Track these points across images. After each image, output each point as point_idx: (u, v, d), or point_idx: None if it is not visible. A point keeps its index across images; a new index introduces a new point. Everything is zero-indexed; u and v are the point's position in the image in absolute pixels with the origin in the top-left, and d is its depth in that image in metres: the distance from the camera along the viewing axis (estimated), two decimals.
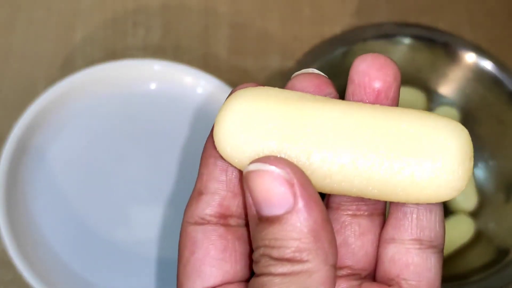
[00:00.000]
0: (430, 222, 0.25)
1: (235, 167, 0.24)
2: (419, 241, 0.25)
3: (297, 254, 0.21)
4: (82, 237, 0.45)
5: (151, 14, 0.54)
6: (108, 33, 0.54)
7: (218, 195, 0.25)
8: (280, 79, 0.51)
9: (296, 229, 0.21)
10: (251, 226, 0.23)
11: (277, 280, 0.21)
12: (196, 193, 0.26)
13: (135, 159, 0.47)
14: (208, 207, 0.25)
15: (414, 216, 0.25)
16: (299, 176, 0.22)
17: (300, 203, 0.21)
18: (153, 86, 0.49)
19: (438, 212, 0.25)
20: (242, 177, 0.23)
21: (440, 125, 0.22)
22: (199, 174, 0.26)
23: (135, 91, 0.48)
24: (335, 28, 0.55)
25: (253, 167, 0.22)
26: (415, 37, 0.48)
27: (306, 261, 0.21)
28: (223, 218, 0.25)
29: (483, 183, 0.48)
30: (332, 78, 0.48)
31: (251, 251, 0.26)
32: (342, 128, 0.23)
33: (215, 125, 0.24)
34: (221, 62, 0.53)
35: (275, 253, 0.22)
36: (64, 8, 0.55)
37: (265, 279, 0.22)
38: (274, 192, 0.21)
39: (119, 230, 0.45)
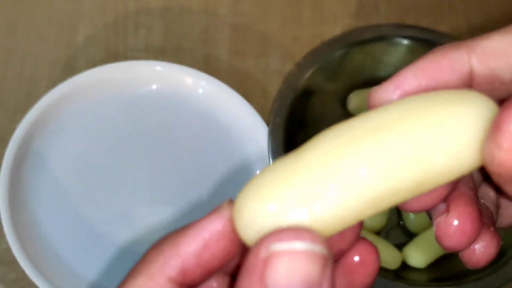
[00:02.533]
0: None
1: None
2: None
3: None
4: (85, 237, 0.45)
5: (152, 16, 0.55)
6: (109, 35, 0.54)
7: None
8: (280, 80, 0.51)
9: None
10: None
11: None
12: None
13: (137, 160, 0.47)
14: None
15: None
16: (329, 250, 0.18)
17: (329, 278, 0.18)
18: (154, 87, 0.49)
19: None
20: (259, 251, 0.18)
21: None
22: None
23: (137, 92, 0.49)
24: (334, 29, 0.55)
25: (281, 246, 0.18)
26: (413, 38, 0.48)
27: None
28: None
29: None
30: (331, 79, 0.48)
31: None
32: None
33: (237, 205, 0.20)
34: (222, 63, 0.53)
35: None
36: (65, 10, 0.55)
37: None
38: (313, 275, 0.18)
39: (121, 230, 0.45)
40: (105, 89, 0.48)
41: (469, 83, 0.22)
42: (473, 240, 0.23)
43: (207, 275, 0.21)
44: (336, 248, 0.23)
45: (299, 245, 0.18)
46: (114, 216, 0.46)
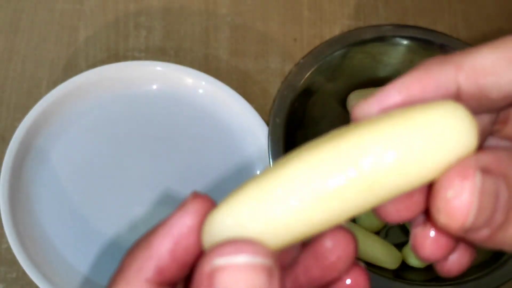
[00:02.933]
0: None
1: None
2: None
3: None
4: (85, 237, 0.45)
5: (153, 16, 0.55)
6: (110, 35, 0.54)
7: None
8: (280, 80, 0.51)
9: None
10: None
11: None
12: None
13: (137, 160, 0.48)
14: None
15: None
16: (276, 261, 0.19)
17: None
18: (154, 87, 0.49)
19: None
20: (203, 268, 0.18)
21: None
22: None
23: (137, 92, 0.49)
24: (334, 29, 0.55)
25: (222, 260, 0.18)
26: (412, 38, 0.48)
27: None
28: None
29: None
30: (331, 79, 0.48)
31: None
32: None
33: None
34: (222, 63, 0.54)
35: None
36: (66, 10, 0.55)
37: None
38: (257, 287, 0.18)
39: (122, 230, 0.46)
40: (106, 89, 0.48)
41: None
42: (449, 253, 0.22)
43: (185, 269, 0.21)
44: (329, 277, 0.23)
45: (240, 259, 0.18)
46: (115, 216, 0.46)
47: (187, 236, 0.21)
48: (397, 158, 0.19)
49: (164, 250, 0.20)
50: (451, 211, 0.19)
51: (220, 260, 0.18)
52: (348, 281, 0.23)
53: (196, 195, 0.21)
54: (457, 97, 0.21)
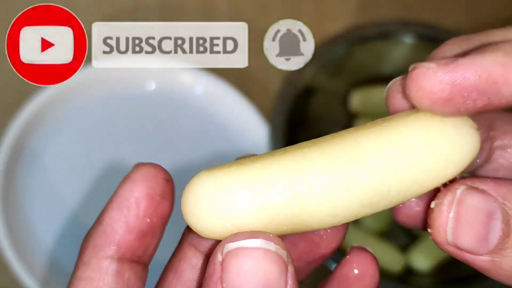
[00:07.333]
0: None
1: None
2: None
3: None
4: (79, 240, 0.45)
5: (149, 12, 0.54)
6: None
7: None
8: (281, 78, 0.51)
9: None
10: None
11: None
12: None
13: (132, 160, 0.47)
14: None
15: None
16: (288, 252, 0.18)
17: (291, 282, 0.18)
18: (152, 85, 0.49)
19: None
20: (216, 255, 0.18)
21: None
22: (84, 278, 0.20)
23: (134, 90, 0.48)
24: (336, 25, 0.54)
25: (245, 243, 0.17)
26: (417, 36, 0.48)
27: None
28: None
29: None
30: (333, 76, 0.48)
31: None
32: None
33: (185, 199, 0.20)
34: None
35: None
36: (61, 6, 0.54)
37: None
38: (271, 275, 0.17)
39: None
40: (101, 88, 0.48)
41: None
42: None
43: (147, 241, 0.21)
44: (320, 252, 0.22)
45: (252, 243, 0.18)
46: None
47: (137, 205, 0.20)
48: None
49: (116, 222, 0.20)
50: (431, 221, 0.19)
51: (232, 245, 0.18)
52: (356, 271, 0.22)
53: (139, 164, 0.21)
54: None
